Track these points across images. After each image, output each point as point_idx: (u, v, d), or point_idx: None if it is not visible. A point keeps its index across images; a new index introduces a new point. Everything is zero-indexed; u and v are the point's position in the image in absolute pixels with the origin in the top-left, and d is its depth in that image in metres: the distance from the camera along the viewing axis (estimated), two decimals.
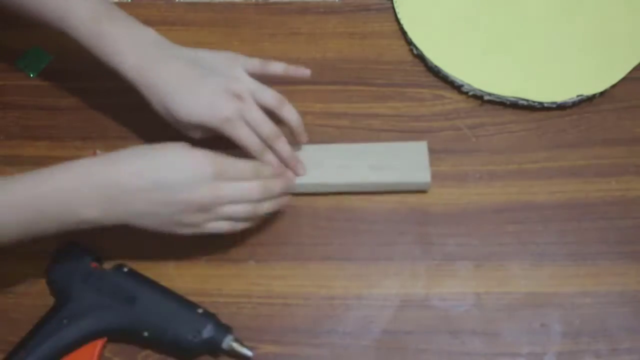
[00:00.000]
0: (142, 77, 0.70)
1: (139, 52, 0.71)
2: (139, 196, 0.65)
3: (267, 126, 0.72)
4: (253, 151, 0.72)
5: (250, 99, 0.71)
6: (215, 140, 0.72)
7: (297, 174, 0.75)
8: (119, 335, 0.69)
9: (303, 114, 0.80)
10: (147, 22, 0.85)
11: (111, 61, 0.70)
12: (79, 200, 0.64)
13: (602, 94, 0.81)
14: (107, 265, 0.72)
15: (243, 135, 0.71)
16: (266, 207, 0.70)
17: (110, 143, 0.79)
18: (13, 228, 0.63)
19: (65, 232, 0.65)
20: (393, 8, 0.87)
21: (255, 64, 0.74)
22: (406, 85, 0.83)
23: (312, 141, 0.79)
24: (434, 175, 0.77)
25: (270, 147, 0.73)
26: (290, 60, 0.83)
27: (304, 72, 0.76)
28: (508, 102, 0.81)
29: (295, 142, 0.75)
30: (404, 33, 0.85)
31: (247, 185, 0.68)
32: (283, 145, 0.73)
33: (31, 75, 0.83)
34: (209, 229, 0.68)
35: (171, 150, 0.67)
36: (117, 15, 0.72)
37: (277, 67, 0.75)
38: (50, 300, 0.71)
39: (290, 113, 0.74)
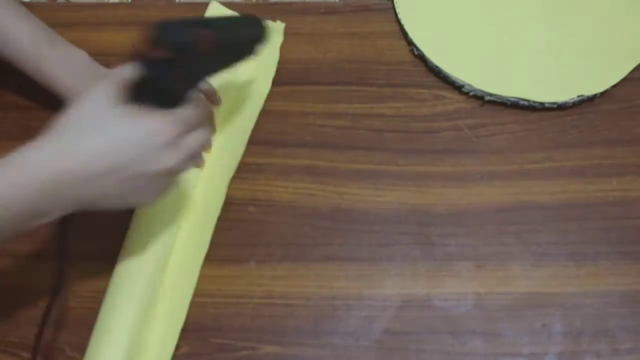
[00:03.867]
0: (73, 96, 0.70)
1: (75, 75, 0.75)
2: (99, 181, 0.60)
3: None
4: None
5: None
6: None
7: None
8: None
9: (304, 114, 0.81)
10: (148, 22, 0.85)
11: (48, 83, 0.75)
12: (32, 199, 0.59)
13: (602, 94, 0.81)
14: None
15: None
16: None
17: None
18: None
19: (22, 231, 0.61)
20: (393, 8, 0.86)
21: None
22: (407, 86, 0.83)
23: (313, 141, 0.79)
24: (435, 175, 0.77)
25: None
26: (290, 61, 0.84)
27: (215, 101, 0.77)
28: (509, 103, 0.81)
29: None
30: (404, 33, 0.85)
31: (205, 134, 0.65)
32: None
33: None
34: (175, 181, 0.66)
35: (121, 121, 0.61)
36: (54, 39, 0.76)
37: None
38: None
39: None
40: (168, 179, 0.64)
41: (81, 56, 0.77)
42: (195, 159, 0.66)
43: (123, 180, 0.61)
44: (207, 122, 0.67)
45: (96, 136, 0.60)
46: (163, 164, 0.62)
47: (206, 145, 0.67)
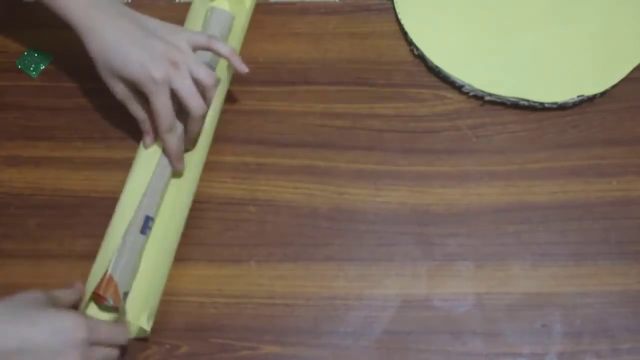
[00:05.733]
0: (89, 23, 0.71)
1: (91, 3, 0.72)
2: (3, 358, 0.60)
3: (193, 100, 0.72)
4: (161, 123, 0.71)
5: (186, 70, 0.71)
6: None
7: (178, 169, 0.74)
8: None
9: (303, 114, 0.81)
10: None
11: (60, 6, 0.71)
12: None
13: (602, 94, 0.82)
14: None
15: (160, 102, 0.71)
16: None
17: (111, 143, 0.79)
18: None
19: None
20: (393, 8, 0.86)
21: (200, 39, 0.75)
22: (407, 86, 0.83)
23: (313, 141, 0.79)
24: (435, 176, 0.77)
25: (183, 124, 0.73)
26: (290, 61, 0.84)
27: (243, 68, 0.76)
28: (509, 103, 0.81)
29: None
30: (404, 33, 0.85)
31: (116, 352, 0.66)
32: (194, 127, 0.74)
33: (32, 76, 0.83)
34: None
35: (41, 312, 0.62)
36: None
37: (223, 48, 0.75)
38: None
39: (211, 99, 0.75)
40: None
41: None
42: None
43: None
44: (118, 340, 0.66)
45: (13, 318, 0.61)
46: None
47: None
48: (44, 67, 0.83)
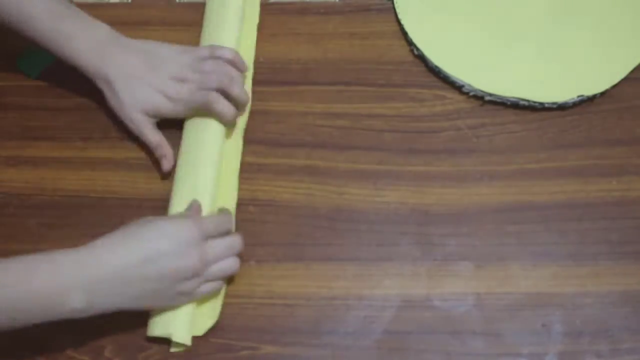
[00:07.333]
0: (97, 70, 0.75)
1: (93, 47, 0.75)
2: (131, 282, 0.65)
3: (222, 76, 0.76)
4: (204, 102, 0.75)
5: (195, 83, 0.76)
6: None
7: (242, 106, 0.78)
8: None
9: (303, 114, 0.81)
10: (147, 22, 0.86)
11: (68, 57, 0.75)
12: (67, 295, 0.63)
13: (603, 94, 0.81)
14: None
15: (221, 104, 0.75)
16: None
17: (111, 144, 0.79)
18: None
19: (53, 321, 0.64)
20: (394, 8, 0.86)
21: (204, 52, 0.77)
22: (407, 86, 0.83)
23: (313, 141, 0.79)
24: (435, 176, 0.77)
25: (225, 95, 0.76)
26: (290, 61, 0.84)
27: (244, 66, 0.79)
28: (509, 103, 0.81)
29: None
30: (404, 33, 0.85)
31: (230, 240, 0.70)
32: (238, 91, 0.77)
33: (32, 76, 0.83)
34: (203, 292, 0.69)
35: (153, 224, 0.67)
36: (73, 12, 0.76)
37: (226, 53, 0.78)
38: None
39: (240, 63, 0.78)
40: (195, 281, 0.67)
41: (103, 30, 0.76)
42: (221, 272, 0.70)
43: (150, 277, 0.65)
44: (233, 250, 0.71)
45: (129, 240, 0.66)
46: (190, 262, 0.66)
47: (230, 261, 0.70)
48: (44, 67, 0.83)
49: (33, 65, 0.83)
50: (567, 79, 0.82)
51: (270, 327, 0.71)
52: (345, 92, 0.82)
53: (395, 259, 0.74)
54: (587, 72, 0.82)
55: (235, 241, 0.70)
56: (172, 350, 0.70)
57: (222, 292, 0.72)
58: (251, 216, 0.76)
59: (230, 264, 0.70)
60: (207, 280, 0.69)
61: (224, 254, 0.69)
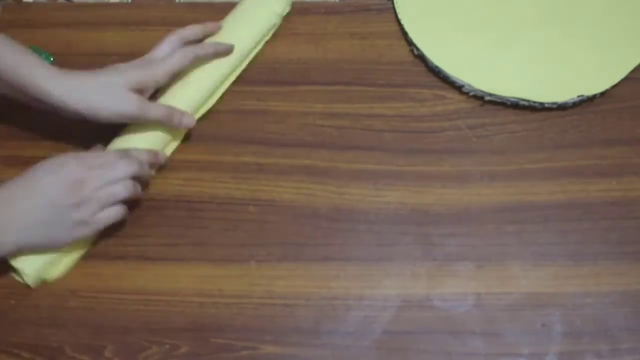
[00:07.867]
0: (61, 86, 0.72)
1: (54, 76, 0.73)
2: (19, 214, 0.68)
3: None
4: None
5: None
6: None
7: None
8: None
9: (303, 114, 0.81)
10: (147, 22, 0.86)
11: (32, 92, 0.73)
12: None
13: (603, 94, 0.81)
14: None
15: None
16: (147, 173, 0.74)
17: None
18: None
19: None
20: (394, 8, 0.87)
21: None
22: (407, 86, 0.83)
23: (313, 141, 0.79)
24: (435, 176, 0.77)
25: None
26: (290, 61, 0.84)
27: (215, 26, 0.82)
28: (509, 103, 0.81)
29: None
30: (404, 33, 0.85)
31: (111, 159, 0.71)
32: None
33: None
34: (103, 220, 0.71)
35: (39, 166, 0.70)
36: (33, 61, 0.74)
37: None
38: None
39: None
40: (86, 209, 0.69)
41: (54, 67, 0.74)
42: (111, 196, 0.71)
43: (36, 208, 0.68)
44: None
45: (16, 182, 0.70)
46: (69, 180, 0.69)
47: (120, 185, 0.71)
48: None
49: None
50: (567, 79, 0.82)
51: (270, 327, 0.71)
52: (345, 92, 0.82)
53: (395, 259, 0.74)
54: (587, 72, 0.82)
55: (118, 163, 0.71)
56: (17, 278, 0.71)
57: (79, 253, 0.73)
58: (251, 216, 0.76)
59: (118, 189, 0.71)
60: (103, 207, 0.70)
61: (110, 178, 0.70)
